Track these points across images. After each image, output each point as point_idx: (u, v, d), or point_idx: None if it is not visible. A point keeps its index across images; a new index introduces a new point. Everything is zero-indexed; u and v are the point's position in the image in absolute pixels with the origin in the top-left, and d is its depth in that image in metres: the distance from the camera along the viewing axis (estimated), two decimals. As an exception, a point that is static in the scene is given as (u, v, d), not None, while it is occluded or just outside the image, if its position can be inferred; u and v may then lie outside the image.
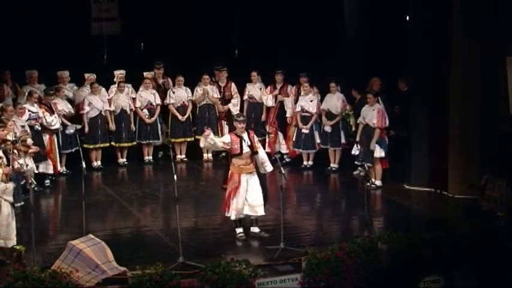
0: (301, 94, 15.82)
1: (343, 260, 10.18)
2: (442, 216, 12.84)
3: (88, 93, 15.92)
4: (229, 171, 11.78)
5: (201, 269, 10.11)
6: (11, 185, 9.94)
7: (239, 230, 11.79)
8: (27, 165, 10.86)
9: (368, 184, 13.68)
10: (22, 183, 12.18)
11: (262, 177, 11.81)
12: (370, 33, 16.75)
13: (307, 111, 15.73)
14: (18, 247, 10.42)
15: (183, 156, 16.68)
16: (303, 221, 12.78)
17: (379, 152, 14.34)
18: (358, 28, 17.04)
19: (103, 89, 16.26)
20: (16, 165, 10.50)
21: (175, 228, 10.96)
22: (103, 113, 15.85)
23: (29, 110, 14.16)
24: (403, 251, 10.37)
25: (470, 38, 13.54)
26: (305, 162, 16.11)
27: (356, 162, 14.69)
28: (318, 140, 15.86)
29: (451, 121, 13.89)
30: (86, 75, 16.41)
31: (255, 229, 11.83)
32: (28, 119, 13.98)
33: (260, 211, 11.70)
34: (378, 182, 14.49)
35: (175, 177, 11.07)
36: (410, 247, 10.42)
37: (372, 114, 14.33)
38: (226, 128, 16.27)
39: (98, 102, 15.79)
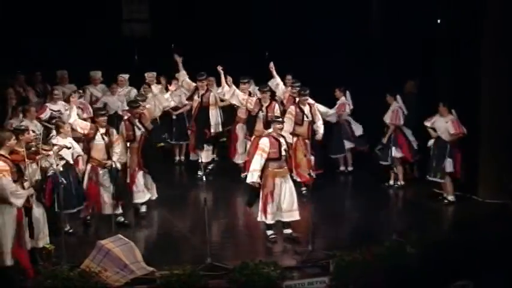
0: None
1: (372, 263, 10.15)
2: (472, 221, 12.72)
3: (108, 94, 15.91)
4: (263, 175, 11.66)
5: (228, 270, 10.13)
6: (22, 192, 9.95)
7: (270, 232, 11.75)
8: (57, 165, 10.88)
9: (440, 198, 13.73)
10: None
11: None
12: (397, 35, 16.64)
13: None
14: (47, 246, 10.51)
15: (214, 155, 16.57)
16: (332, 224, 12.73)
17: (450, 167, 13.69)
18: (385, 30, 16.93)
19: (133, 90, 16.31)
20: (44, 165, 10.56)
21: (203, 229, 10.97)
22: (119, 112, 15.71)
23: (50, 109, 14.25)
24: (432, 255, 10.31)
25: (500, 40, 13.45)
26: (342, 168, 16.01)
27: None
28: (348, 145, 15.72)
29: (482, 124, 13.78)
30: (122, 77, 16.43)
31: (287, 231, 11.79)
32: (50, 117, 14.05)
33: (296, 216, 11.67)
34: (451, 197, 13.75)
35: (204, 178, 11.09)
36: (440, 251, 10.36)
37: (446, 126, 13.60)
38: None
39: (115, 102, 15.69)
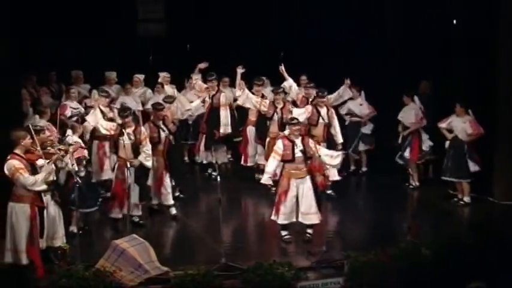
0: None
1: (386, 265, 10.13)
2: (487, 222, 12.67)
3: (122, 95, 15.90)
4: (281, 175, 11.71)
5: (243, 270, 10.14)
6: (39, 176, 9.99)
7: (284, 232, 11.73)
8: (72, 165, 10.91)
9: (456, 200, 13.72)
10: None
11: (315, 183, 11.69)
12: (412, 35, 16.54)
13: (357, 115, 15.60)
14: (62, 245, 10.54)
15: (229, 156, 16.55)
16: (346, 225, 12.72)
17: (474, 166, 13.67)
18: (400, 30, 16.84)
19: (149, 90, 16.33)
20: (59, 165, 10.59)
21: (218, 229, 10.98)
22: (136, 113, 15.69)
23: (70, 107, 14.31)
24: (447, 257, 10.27)
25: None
26: (352, 167, 15.99)
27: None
28: (364, 147, 15.74)
29: (497, 125, 13.71)
30: (137, 77, 16.44)
31: (308, 230, 11.74)
32: (71, 116, 14.13)
33: (314, 219, 11.60)
34: (467, 198, 13.73)
35: (218, 178, 11.10)
36: (454, 253, 10.32)
37: (464, 127, 13.59)
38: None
39: (131, 102, 15.56)
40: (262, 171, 14.30)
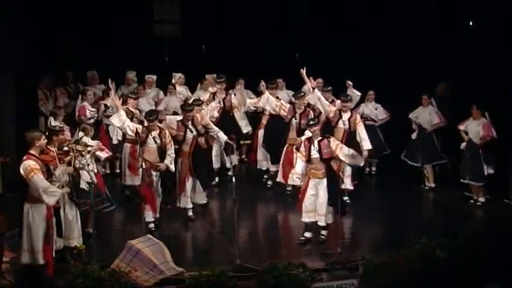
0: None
1: (401, 266, 10.11)
2: (503, 224, 12.62)
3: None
4: None
5: (257, 271, 10.14)
6: (57, 190, 9.91)
7: (307, 233, 11.77)
8: (88, 165, 10.93)
9: (472, 201, 13.69)
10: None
11: (335, 184, 11.63)
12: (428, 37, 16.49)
13: (372, 119, 15.55)
14: (78, 245, 10.59)
15: (243, 157, 16.53)
16: (360, 226, 12.70)
17: (487, 170, 13.65)
18: (417, 32, 16.80)
19: (161, 92, 16.35)
20: (77, 165, 10.62)
21: (233, 230, 11.00)
22: None
23: (88, 109, 14.37)
24: (462, 259, 10.24)
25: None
26: (367, 169, 15.95)
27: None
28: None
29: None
30: (146, 77, 16.49)
31: (323, 231, 11.78)
32: (89, 118, 14.21)
33: (321, 221, 11.65)
34: (482, 199, 13.74)
35: (233, 179, 11.12)
36: (470, 255, 10.29)
37: (477, 129, 13.57)
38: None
39: (145, 104, 15.50)
40: (272, 178, 14.51)
